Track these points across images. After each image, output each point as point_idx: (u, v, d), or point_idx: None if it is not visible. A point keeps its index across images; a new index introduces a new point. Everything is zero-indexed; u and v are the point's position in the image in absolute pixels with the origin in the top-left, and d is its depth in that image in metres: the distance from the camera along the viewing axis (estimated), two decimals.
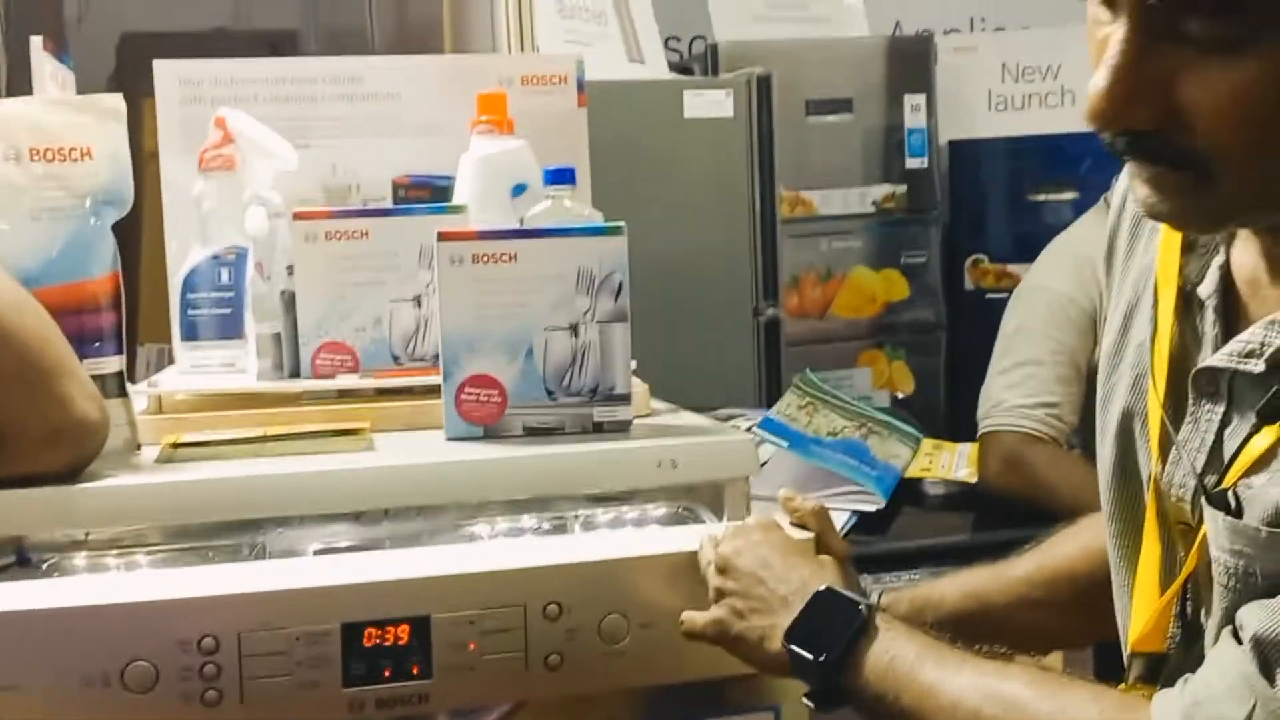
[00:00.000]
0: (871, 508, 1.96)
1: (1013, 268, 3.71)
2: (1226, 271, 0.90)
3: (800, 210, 3.48)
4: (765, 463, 2.04)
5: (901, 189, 3.58)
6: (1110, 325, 1.03)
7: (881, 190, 3.58)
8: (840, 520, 1.94)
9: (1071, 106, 3.80)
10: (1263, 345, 0.84)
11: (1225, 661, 0.81)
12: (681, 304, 2.79)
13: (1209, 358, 0.88)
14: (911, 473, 2.12)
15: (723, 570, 1.06)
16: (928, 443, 2.25)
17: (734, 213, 2.93)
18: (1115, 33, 0.78)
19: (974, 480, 2.11)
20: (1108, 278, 1.07)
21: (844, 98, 3.51)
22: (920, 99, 3.59)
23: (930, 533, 2.00)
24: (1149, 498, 0.95)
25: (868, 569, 1.82)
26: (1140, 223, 1.01)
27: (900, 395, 3.57)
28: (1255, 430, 0.84)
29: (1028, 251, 3.75)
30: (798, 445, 2.04)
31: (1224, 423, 0.88)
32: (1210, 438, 0.88)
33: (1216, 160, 0.78)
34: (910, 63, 3.60)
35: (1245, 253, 0.90)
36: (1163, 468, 0.92)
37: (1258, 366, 0.84)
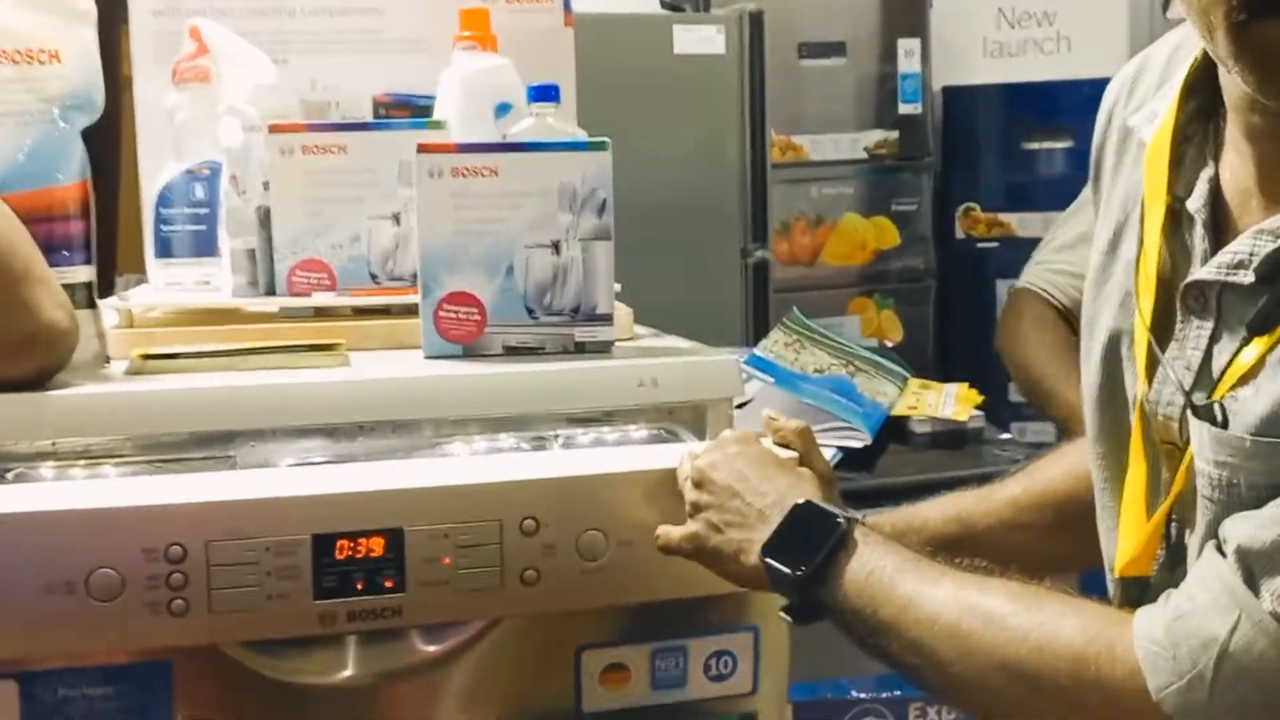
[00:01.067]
0: (858, 444, 1.94)
1: (1004, 217, 3.68)
2: (1215, 186, 0.88)
3: (791, 155, 3.45)
4: (751, 399, 2.02)
5: (894, 135, 3.55)
6: (1097, 245, 1.01)
7: (874, 136, 3.55)
8: (826, 456, 1.92)
9: (1068, 53, 3.76)
10: (1251, 255, 0.83)
11: (1209, 574, 0.79)
12: (669, 242, 2.76)
13: (1198, 271, 0.86)
14: (898, 411, 2.10)
15: (699, 484, 1.04)
16: (914, 382, 2.23)
17: (724, 152, 2.90)
18: None
19: (962, 418, 2.09)
20: (1095, 196, 1.05)
21: (837, 41, 3.47)
22: (914, 44, 3.55)
23: (915, 470, 1.98)
24: (1135, 419, 0.93)
25: (853, 505, 1.80)
26: (1127, 139, 0.99)
27: (889, 343, 3.55)
28: (1245, 343, 0.83)
29: (1020, 201, 3.73)
30: (784, 381, 2.02)
31: (1212, 339, 0.86)
32: (1199, 355, 0.87)
33: None
34: (904, 7, 3.56)
35: (1235, 166, 0.88)
36: (1149, 387, 0.91)
37: (1247, 277, 0.83)
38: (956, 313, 3.73)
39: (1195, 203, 0.89)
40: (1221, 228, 0.88)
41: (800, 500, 1.00)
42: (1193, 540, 0.87)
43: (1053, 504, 1.15)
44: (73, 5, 1.22)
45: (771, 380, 2.02)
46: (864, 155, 3.55)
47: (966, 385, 2.22)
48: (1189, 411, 0.85)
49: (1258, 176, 0.86)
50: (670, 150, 2.80)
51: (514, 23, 1.59)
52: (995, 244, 3.71)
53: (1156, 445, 0.92)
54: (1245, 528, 0.78)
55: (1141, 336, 0.91)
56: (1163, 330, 0.90)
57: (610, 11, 2.87)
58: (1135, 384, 0.93)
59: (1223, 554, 0.79)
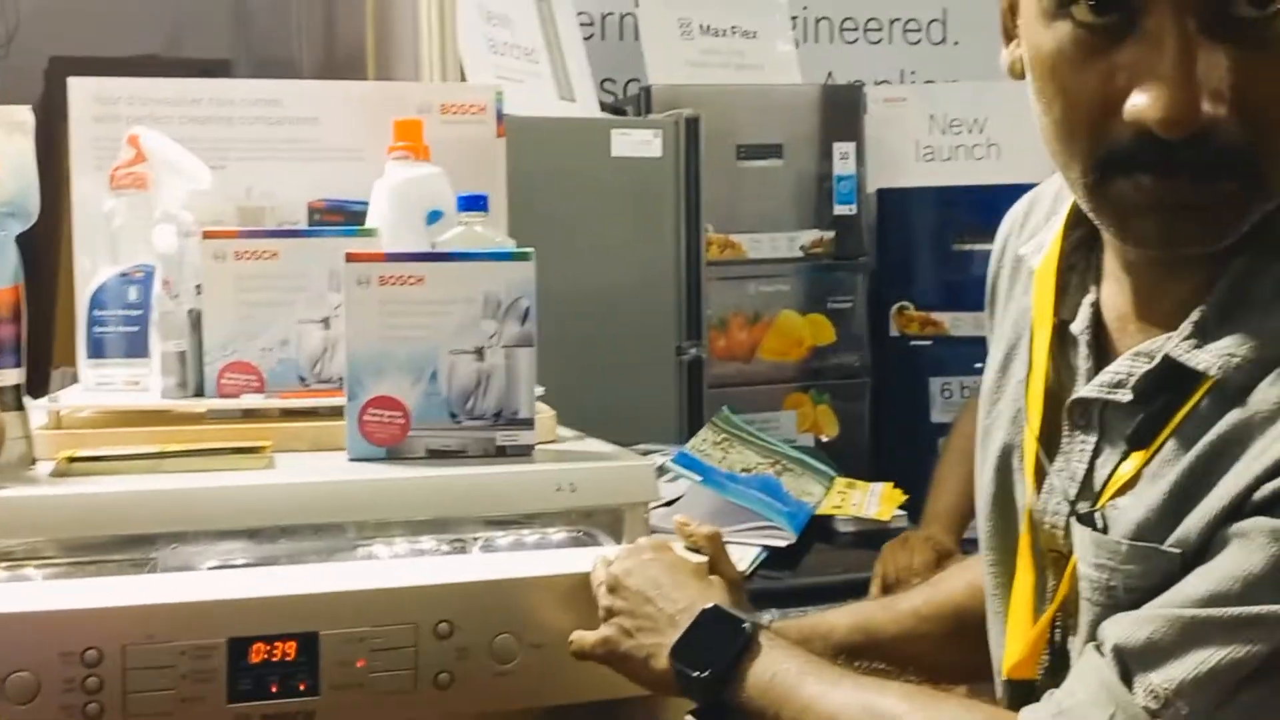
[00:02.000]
0: (782, 543, 1.98)
1: (938, 316, 3.77)
2: (1096, 310, 0.94)
3: (730, 253, 3.51)
4: (679, 498, 2.05)
5: (830, 235, 3.63)
6: (990, 364, 1.07)
7: (810, 235, 3.62)
8: (751, 555, 1.95)
9: (997, 159, 3.87)
10: (1129, 375, 0.88)
11: (1088, 671, 0.83)
12: (605, 340, 2.80)
13: (1082, 389, 0.91)
14: (823, 510, 2.13)
15: (613, 589, 1.07)
16: (840, 481, 2.27)
17: (660, 251, 2.96)
18: (1162, 31, 0.77)
19: (885, 518, 2.13)
20: (990, 320, 1.11)
21: (775, 143, 3.56)
22: (849, 147, 3.64)
23: (840, 569, 2.01)
24: (1024, 527, 0.97)
25: (777, 604, 1.83)
26: (1018, 268, 1.05)
27: (825, 439, 3.60)
28: (1124, 457, 0.87)
29: (953, 300, 3.82)
30: (711, 480, 2.05)
31: (1095, 452, 0.91)
32: (1082, 467, 0.92)
33: (1264, 157, 0.79)
34: (841, 111, 3.66)
35: (1114, 292, 0.93)
36: (1038, 497, 0.95)
37: (1125, 396, 0.88)
38: (891, 409, 3.79)
39: (1079, 325, 0.94)
40: (1103, 349, 0.93)
41: (708, 605, 1.03)
42: (1075, 643, 0.91)
43: (954, 615, 1.19)
44: (10, 115, 1.25)
45: (699, 479, 2.05)
46: (800, 254, 3.62)
47: (891, 485, 2.26)
48: (1073, 519, 0.90)
49: (1134, 302, 0.91)
50: (608, 249, 2.86)
51: (447, 133, 1.64)
52: (929, 342, 3.78)
53: (1044, 553, 0.96)
54: (1120, 627, 0.82)
55: (1030, 449, 0.96)
56: (1050, 444, 0.95)
57: (551, 116, 2.95)
58: (1024, 495, 0.98)
59: (1100, 653, 0.83)
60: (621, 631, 1.05)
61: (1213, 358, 0.83)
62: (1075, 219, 0.97)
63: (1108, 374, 0.89)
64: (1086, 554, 0.88)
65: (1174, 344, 0.85)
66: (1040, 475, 0.95)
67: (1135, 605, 0.83)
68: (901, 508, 2.18)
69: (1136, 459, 0.86)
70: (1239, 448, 0.80)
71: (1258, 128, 0.78)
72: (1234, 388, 0.81)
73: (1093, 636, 0.85)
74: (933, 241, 3.76)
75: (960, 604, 1.18)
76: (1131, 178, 0.81)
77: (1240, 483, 0.79)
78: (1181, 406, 0.84)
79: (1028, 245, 1.02)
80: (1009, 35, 0.91)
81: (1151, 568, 0.83)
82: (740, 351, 3.58)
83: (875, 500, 2.17)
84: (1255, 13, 0.77)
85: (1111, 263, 0.94)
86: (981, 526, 1.05)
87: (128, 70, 1.65)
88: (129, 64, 3.27)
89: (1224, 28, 0.77)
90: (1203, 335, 0.84)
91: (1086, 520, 0.88)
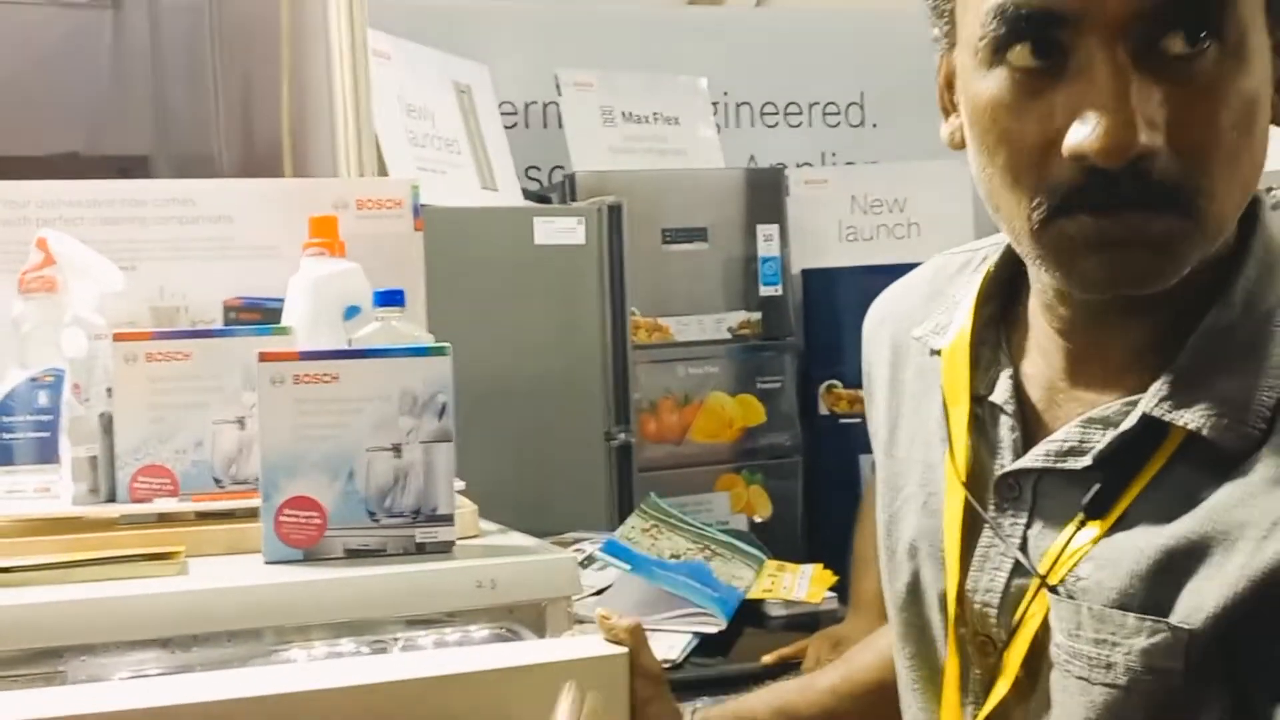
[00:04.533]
0: (713, 629, 1.97)
1: None
2: (1017, 383, 0.94)
3: (658, 336, 3.53)
4: (609, 586, 2.04)
5: (756, 316, 3.66)
6: (879, 452, 1.06)
7: (737, 317, 3.65)
8: (683, 643, 1.94)
9: (918, 238, 3.94)
10: (1081, 443, 0.87)
11: None
12: (533, 428, 2.80)
13: (1018, 460, 0.91)
14: (754, 594, 2.13)
15: None
16: (771, 564, 2.27)
17: (586, 338, 2.96)
18: (1094, 65, 0.78)
19: (815, 600, 2.13)
20: (870, 412, 1.11)
21: (699, 227, 3.59)
22: (773, 229, 3.69)
23: (771, 654, 2.00)
24: (950, 613, 0.96)
25: (710, 691, 1.81)
26: (901, 351, 1.05)
27: (758, 519, 3.61)
28: (1080, 525, 0.86)
29: None
30: (640, 568, 2.04)
31: (1026, 526, 0.90)
32: (1015, 542, 0.90)
33: (1202, 192, 0.80)
34: (763, 194, 3.70)
35: (1039, 365, 0.93)
36: (960, 580, 0.94)
37: (1081, 463, 0.86)
38: (823, 487, 3.80)
39: (1001, 396, 0.94)
40: (1027, 422, 0.93)
41: None
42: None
43: (872, 690, 1.18)
44: None
45: (628, 567, 2.04)
46: (728, 335, 3.64)
47: (821, 566, 2.26)
48: (1047, 592, 0.87)
49: (1066, 368, 0.91)
50: (533, 337, 2.86)
51: (364, 228, 1.64)
52: (858, 420, 3.79)
53: (969, 638, 0.95)
54: None
55: (953, 531, 0.95)
56: (972, 524, 0.93)
57: (473, 205, 2.96)
58: (941, 579, 0.97)
59: None
60: None
61: (1199, 417, 0.82)
62: (987, 295, 0.98)
63: (1052, 443, 0.88)
64: (1066, 627, 0.85)
65: (1151, 404, 0.84)
66: (965, 556, 0.94)
67: (1141, 683, 0.81)
68: (832, 589, 2.18)
69: (1097, 527, 0.85)
70: (1247, 520, 0.79)
71: (1194, 162, 0.79)
72: (1221, 450, 0.81)
73: (1094, 712, 0.83)
74: (859, 319, 3.74)
75: (876, 680, 1.17)
76: (1074, 217, 0.81)
77: (1266, 559, 0.77)
78: (1141, 471, 0.84)
79: (921, 328, 1.03)
80: (947, 110, 0.93)
81: (1160, 643, 0.80)
82: (671, 434, 3.59)
83: (805, 582, 2.17)
84: (1186, 49, 0.78)
85: (1038, 331, 0.93)
86: (895, 618, 1.03)
87: (47, 168, 1.63)
88: (47, 162, 3.25)
89: (1156, 62, 0.78)
90: (1179, 394, 0.83)
91: (1056, 592, 0.85)
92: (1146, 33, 0.78)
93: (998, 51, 0.82)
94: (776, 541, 2.72)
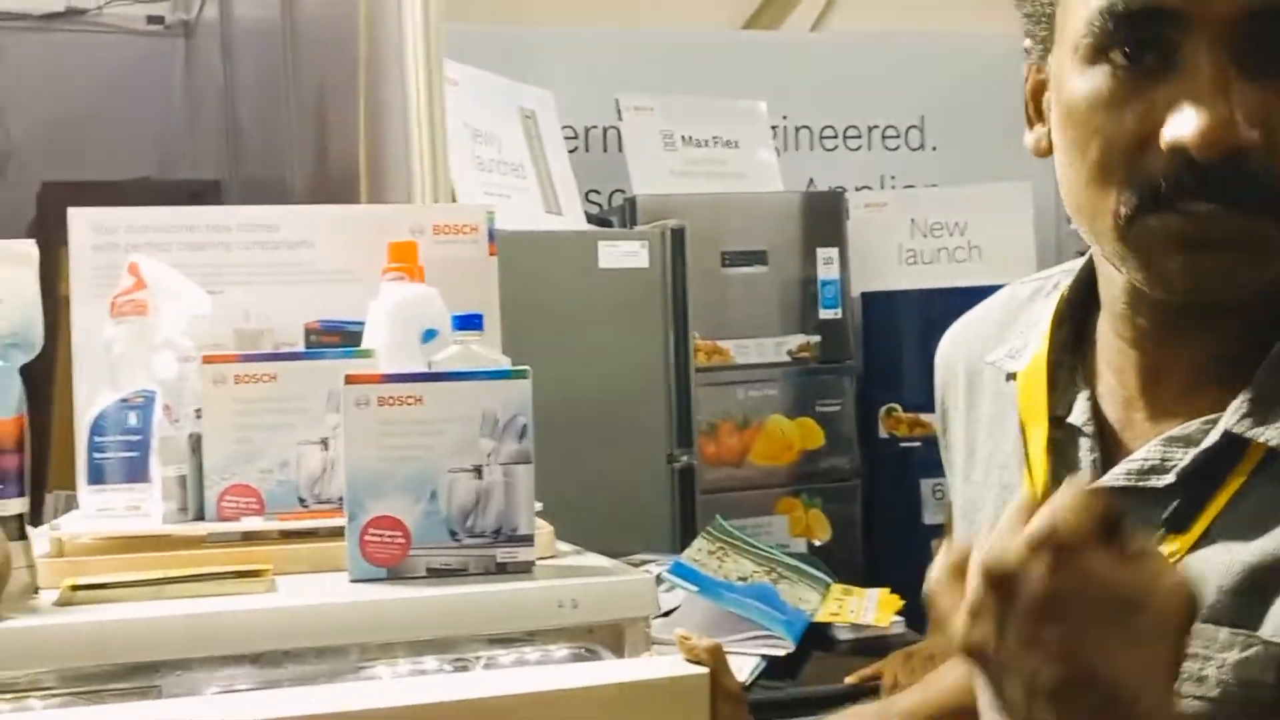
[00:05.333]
0: (781, 652, 1.98)
1: (926, 416, 3.79)
2: (1094, 405, 0.95)
3: (717, 359, 3.55)
4: (676, 608, 2.05)
5: (816, 339, 3.67)
6: (956, 479, 1.08)
7: (796, 340, 3.67)
8: (750, 665, 1.95)
9: (979, 261, 3.94)
10: (1163, 461, 0.88)
11: None
12: (597, 451, 2.82)
13: (1099, 481, 0.91)
14: (820, 617, 2.14)
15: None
16: (837, 588, 2.28)
17: (649, 360, 2.99)
18: (1198, 62, 0.80)
19: (883, 624, 2.13)
20: (944, 439, 1.12)
21: (759, 250, 3.62)
22: (833, 252, 3.70)
23: (839, 678, 2.01)
24: None
25: (777, 714, 1.83)
26: (976, 378, 1.07)
27: (817, 542, 3.61)
28: (1160, 542, 0.86)
29: None
30: (708, 590, 2.06)
31: None
32: None
33: None
34: (823, 217, 3.72)
35: (1112, 384, 0.94)
36: None
37: (1164, 480, 0.87)
38: (883, 511, 3.80)
39: (1079, 418, 0.95)
40: (1105, 442, 0.94)
41: None
42: None
43: (949, 715, 1.19)
44: (15, 249, 1.28)
45: (695, 589, 2.05)
46: (787, 358, 3.66)
47: (888, 590, 2.27)
48: None
49: (1141, 388, 0.92)
50: (596, 359, 2.89)
51: (440, 253, 1.67)
52: (918, 443, 3.81)
53: None
54: None
55: None
56: None
57: (538, 230, 2.99)
58: None
59: None
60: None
61: None
62: (1061, 318, 1.00)
63: (1133, 462, 0.89)
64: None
65: (1232, 421, 0.85)
66: None
67: (1233, 697, 0.81)
68: (899, 613, 2.18)
69: (1178, 543, 0.86)
70: None
71: None
72: None
73: None
74: (918, 343, 3.81)
75: (954, 703, 1.18)
76: (1161, 215, 0.82)
77: None
78: (1221, 487, 0.85)
79: (995, 353, 1.05)
80: (1031, 120, 0.95)
81: (1253, 656, 0.81)
82: (730, 457, 3.60)
83: (872, 606, 2.17)
84: None
85: (1110, 349, 0.95)
86: None
87: (119, 193, 1.67)
88: (121, 187, 3.32)
89: (1259, 64, 0.80)
90: (1260, 411, 0.84)
91: None
92: (1252, 34, 0.80)
93: (1101, 50, 0.84)
94: (835, 565, 2.72)
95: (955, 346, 1.13)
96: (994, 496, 1.02)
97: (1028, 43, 0.94)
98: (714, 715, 1.14)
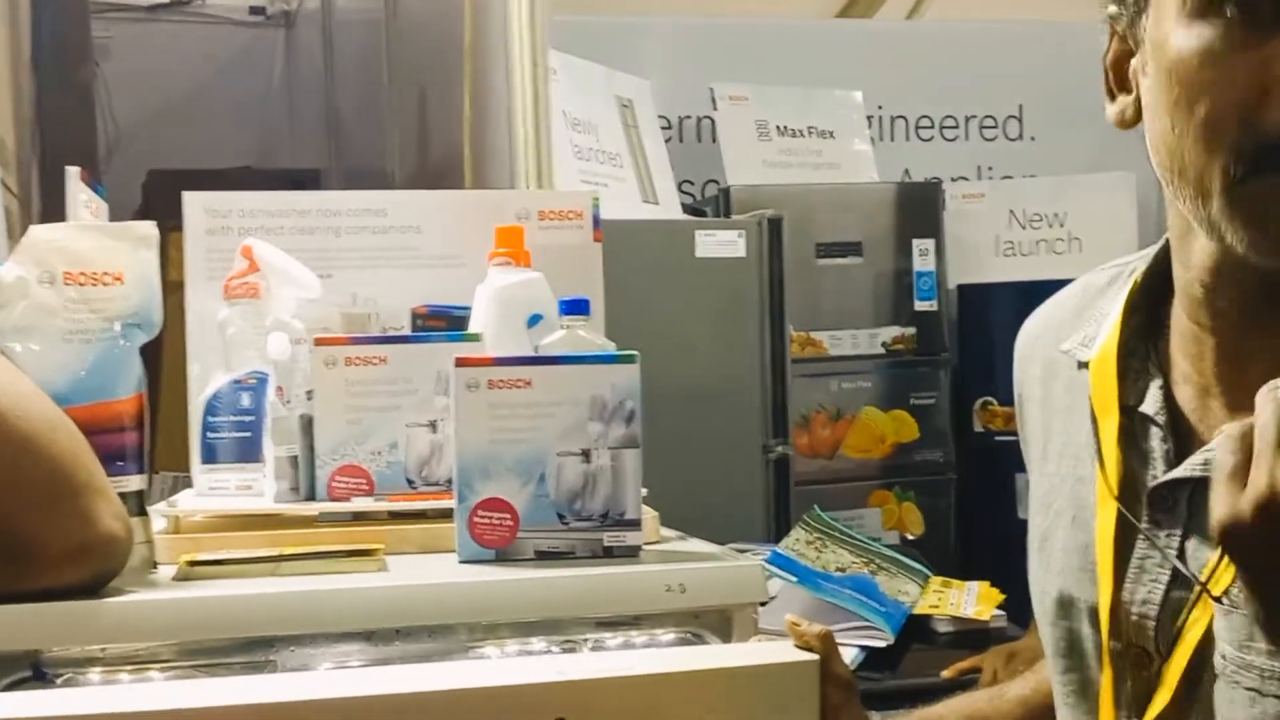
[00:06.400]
0: (880, 644, 1.96)
1: None
2: (1168, 394, 0.93)
3: (810, 350, 3.53)
4: (773, 597, 2.05)
5: (910, 331, 3.63)
6: (1034, 469, 1.06)
7: (891, 332, 3.63)
8: (849, 656, 1.94)
9: (1079, 253, 3.87)
10: None
11: None
12: (692, 440, 2.82)
13: (1172, 471, 0.90)
14: (920, 609, 2.12)
15: None
16: (936, 580, 2.26)
17: (745, 351, 2.98)
18: None
19: (984, 617, 2.11)
20: (1023, 430, 1.10)
21: (853, 241, 3.59)
22: (929, 244, 3.66)
23: (939, 670, 1.99)
24: (1104, 627, 0.94)
25: (876, 706, 1.81)
26: (1052, 367, 1.05)
27: (910, 536, 3.58)
28: None
29: None
30: (806, 580, 2.05)
31: (1183, 537, 0.89)
32: (1173, 553, 0.90)
33: None
34: (919, 208, 3.68)
35: (1187, 373, 0.93)
36: (1114, 593, 0.93)
37: None
38: (976, 506, 3.75)
39: (1152, 407, 0.93)
40: (1180, 434, 0.92)
41: None
42: None
43: None
44: (137, 231, 1.30)
45: (794, 579, 2.04)
46: (881, 350, 3.63)
47: (988, 584, 2.24)
48: (1215, 603, 0.85)
49: (1218, 372, 0.90)
50: (693, 349, 2.89)
51: (546, 238, 1.68)
52: (1013, 438, 3.74)
53: (1124, 651, 0.93)
54: None
55: (1105, 545, 0.94)
56: (1125, 536, 0.93)
57: (636, 218, 2.99)
58: (1092, 594, 0.96)
59: None
60: None
61: None
62: (1134, 305, 0.98)
63: (1208, 452, 0.87)
64: (1237, 638, 0.83)
65: None
66: (1120, 567, 0.93)
67: None
68: (999, 607, 2.16)
69: None
70: None
71: None
72: None
73: None
74: (1014, 336, 3.75)
75: None
76: (1271, 178, 0.80)
77: None
78: None
79: (1069, 342, 1.03)
80: (1113, 91, 0.93)
81: None
82: (823, 449, 3.58)
83: (973, 599, 2.15)
84: None
85: (1185, 337, 0.93)
86: (1047, 633, 1.03)
87: (222, 181, 1.70)
88: (224, 176, 3.38)
89: None
90: None
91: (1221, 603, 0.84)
92: None
93: (1212, 1, 0.81)
94: (928, 559, 2.70)
95: (1033, 336, 1.12)
96: (1068, 489, 1.01)
97: (1112, 9, 0.92)
98: (824, 702, 1.13)
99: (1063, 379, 1.03)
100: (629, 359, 1.34)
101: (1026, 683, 1.22)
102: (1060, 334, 1.05)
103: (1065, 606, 1.00)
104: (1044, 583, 1.03)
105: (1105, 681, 0.94)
